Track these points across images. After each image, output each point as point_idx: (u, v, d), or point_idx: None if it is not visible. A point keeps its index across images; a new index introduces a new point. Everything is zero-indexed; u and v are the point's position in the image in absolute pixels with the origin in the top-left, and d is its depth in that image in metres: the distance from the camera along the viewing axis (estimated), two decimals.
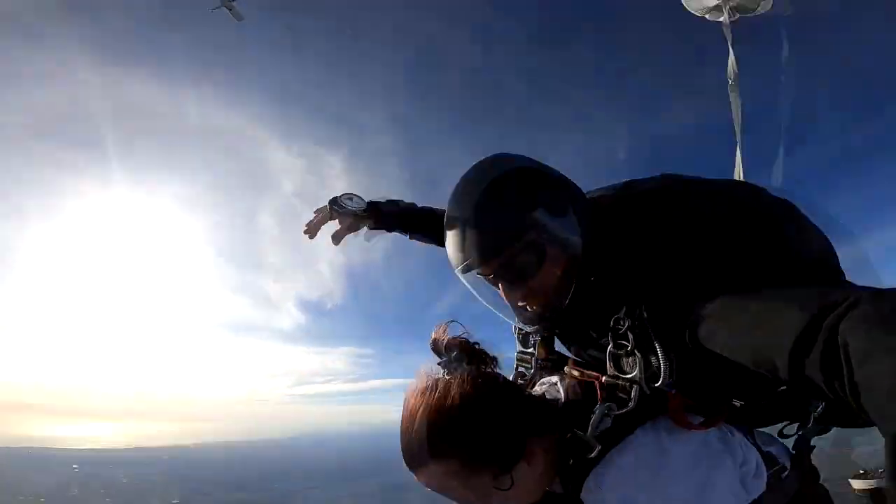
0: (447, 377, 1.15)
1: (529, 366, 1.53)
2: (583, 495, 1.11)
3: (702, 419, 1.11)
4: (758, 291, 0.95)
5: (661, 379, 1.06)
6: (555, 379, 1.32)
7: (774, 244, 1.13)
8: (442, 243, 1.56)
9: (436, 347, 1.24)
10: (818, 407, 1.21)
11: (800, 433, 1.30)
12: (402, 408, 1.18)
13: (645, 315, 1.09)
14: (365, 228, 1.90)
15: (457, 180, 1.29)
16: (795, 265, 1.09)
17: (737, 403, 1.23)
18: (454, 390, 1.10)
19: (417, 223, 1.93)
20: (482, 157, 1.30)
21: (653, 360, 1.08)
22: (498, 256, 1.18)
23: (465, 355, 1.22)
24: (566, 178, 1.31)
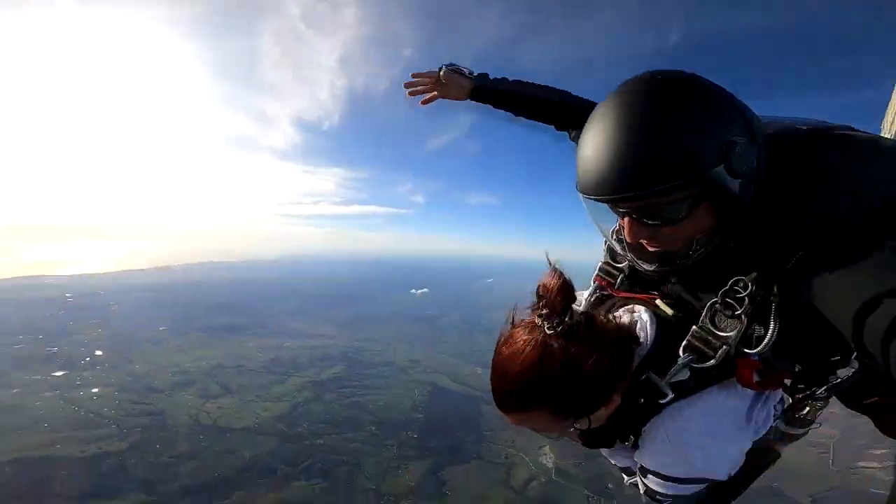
0: (550, 331, 1.10)
1: (613, 282, 1.51)
2: (643, 438, 1.24)
3: (759, 379, 1.14)
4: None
5: (760, 349, 1.05)
6: (645, 315, 1.25)
7: None
8: (560, 125, 1.69)
9: (544, 294, 1.13)
10: (838, 379, 1.24)
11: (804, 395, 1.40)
12: (499, 345, 1.18)
13: (775, 290, 1.02)
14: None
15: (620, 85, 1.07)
16: None
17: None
18: (557, 350, 1.07)
19: (529, 104, 1.86)
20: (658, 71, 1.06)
21: (756, 328, 1.06)
22: (648, 198, 1.00)
23: (569, 309, 1.12)
24: (755, 116, 1.09)
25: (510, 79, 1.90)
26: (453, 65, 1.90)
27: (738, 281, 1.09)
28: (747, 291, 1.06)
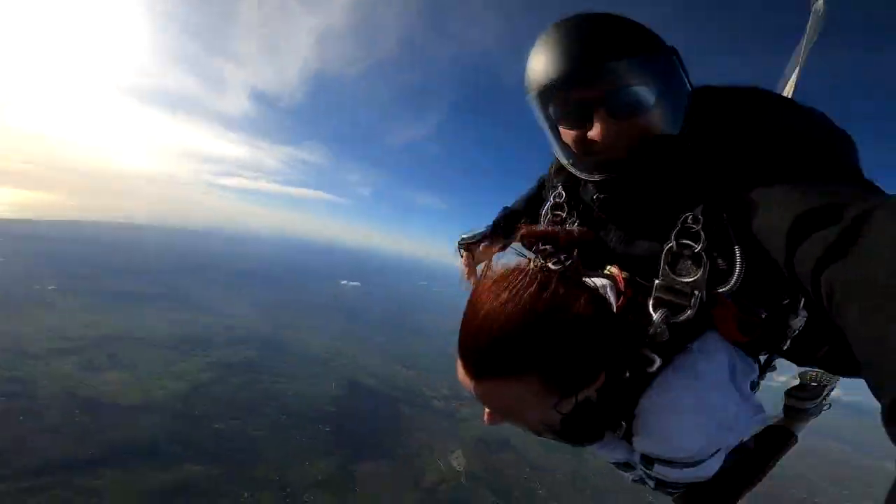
0: (556, 267, 0.96)
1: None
2: (636, 421, 1.09)
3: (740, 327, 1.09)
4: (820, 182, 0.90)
5: (733, 282, 1.00)
6: (598, 280, 1.12)
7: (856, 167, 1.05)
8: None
9: (551, 240, 1.03)
10: (794, 331, 1.18)
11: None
12: (479, 289, 0.96)
13: (725, 216, 1.02)
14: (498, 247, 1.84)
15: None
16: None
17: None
18: (563, 295, 0.91)
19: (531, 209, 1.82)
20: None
21: (719, 262, 1.02)
22: (624, 74, 1.02)
23: (577, 262, 0.99)
24: None
25: (509, 206, 1.93)
26: (465, 238, 1.87)
27: (686, 217, 1.05)
28: (699, 225, 1.03)
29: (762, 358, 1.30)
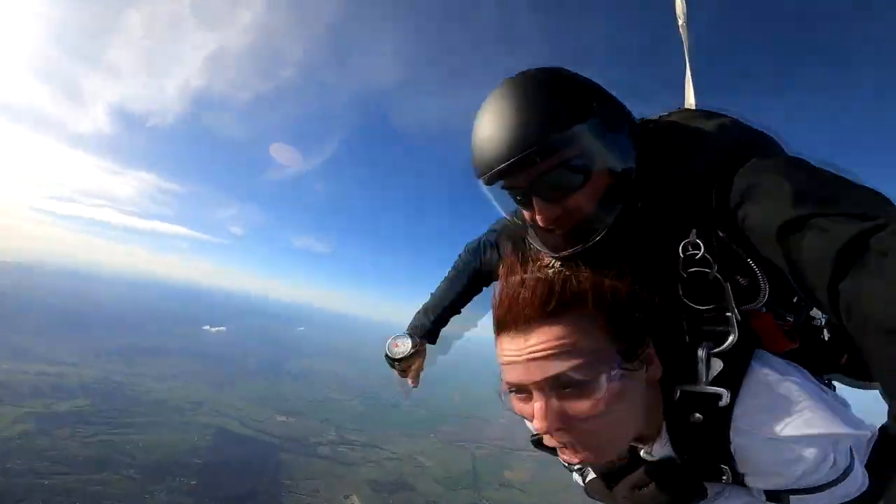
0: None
1: None
2: (738, 461, 1.01)
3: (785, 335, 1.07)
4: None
5: (763, 294, 1.02)
6: None
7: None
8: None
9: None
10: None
11: None
12: (510, 272, 1.04)
13: (722, 234, 1.03)
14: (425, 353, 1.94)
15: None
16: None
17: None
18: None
19: (460, 302, 1.96)
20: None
21: (740, 279, 1.03)
22: (539, 162, 1.02)
23: None
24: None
25: (430, 304, 1.99)
26: (399, 358, 1.86)
27: (686, 246, 1.06)
28: (703, 248, 1.04)
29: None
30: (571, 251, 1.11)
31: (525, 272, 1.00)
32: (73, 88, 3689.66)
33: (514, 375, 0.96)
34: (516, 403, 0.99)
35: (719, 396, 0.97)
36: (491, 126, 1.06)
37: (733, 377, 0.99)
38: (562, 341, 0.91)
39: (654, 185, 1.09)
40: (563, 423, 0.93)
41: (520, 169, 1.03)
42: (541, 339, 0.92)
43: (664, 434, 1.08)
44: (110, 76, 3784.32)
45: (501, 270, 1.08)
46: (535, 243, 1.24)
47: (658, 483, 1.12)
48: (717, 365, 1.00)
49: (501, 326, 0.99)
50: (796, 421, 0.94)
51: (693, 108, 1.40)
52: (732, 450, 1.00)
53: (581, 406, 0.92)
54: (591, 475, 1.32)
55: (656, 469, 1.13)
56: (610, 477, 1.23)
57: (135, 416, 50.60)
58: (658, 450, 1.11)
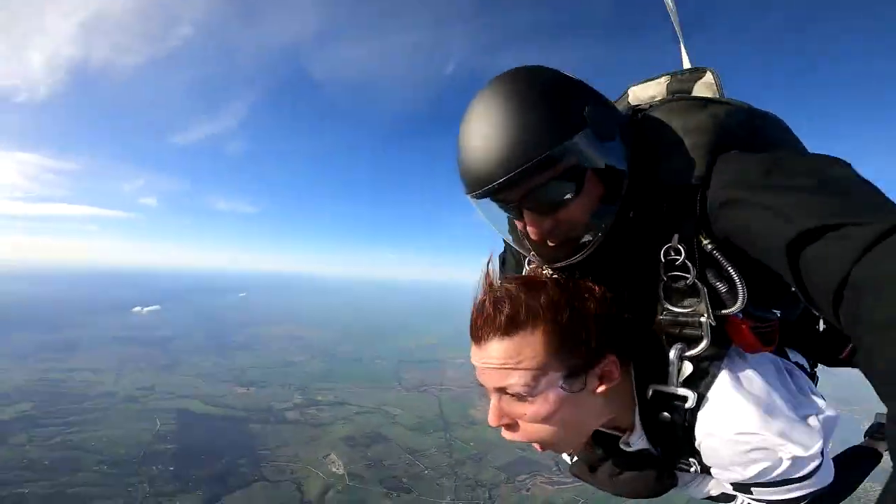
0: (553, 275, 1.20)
1: None
2: (703, 453, 1.10)
3: (760, 336, 1.09)
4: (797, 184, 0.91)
5: (739, 304, 1.03)
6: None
7: (799, 146, 1.18)
8: None
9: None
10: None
11: None
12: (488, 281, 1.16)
13: (705, 240, 1.05)
14: None
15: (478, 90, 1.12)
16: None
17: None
18: (557, 280, 1.15)
19: None
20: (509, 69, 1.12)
21: (719, 286, 1.05)
22: (531, 178, 1.02)
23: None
24: (605, 96, 1.17)
25: None
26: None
27: (668, 250, 1.08)
28: (683, 254, 1.06)
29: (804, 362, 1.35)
30: (564, 263, 1.17)
31: (490, 291, 1.12)
32: None
33: (478, 378, 1.13)
34: (487, 395, 1.16)
35: (686, 398, 1.06)
36: (480, 138, 1.05)
37: (701, 380, 1.06)
38: (508, 359, 1.04)
39: (640, 188, 1.12)
40: (508, 422, 1.12)
41: (512, 186, 1.03)
42: (492, 354, 1.06)
43: (638, 428, 1.18)
44: None
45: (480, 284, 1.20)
46: (526, 253, 1.28)
47: (633, 471, 1.27)
48: (688, 368, 1.06)
49: (471, 335, 1.13)
50: (754, 423, 0.99)
51: (689, 92, 1.36)
52: (698, 445, 1.10)
53: (522, 410, 1.08)
54: (576, 458, 1.43)
55: (631, 459, 1.26)
56: (591, 462, 1.37)
57: (87, 413, 48.24)
58: (635, 440, 1.20)
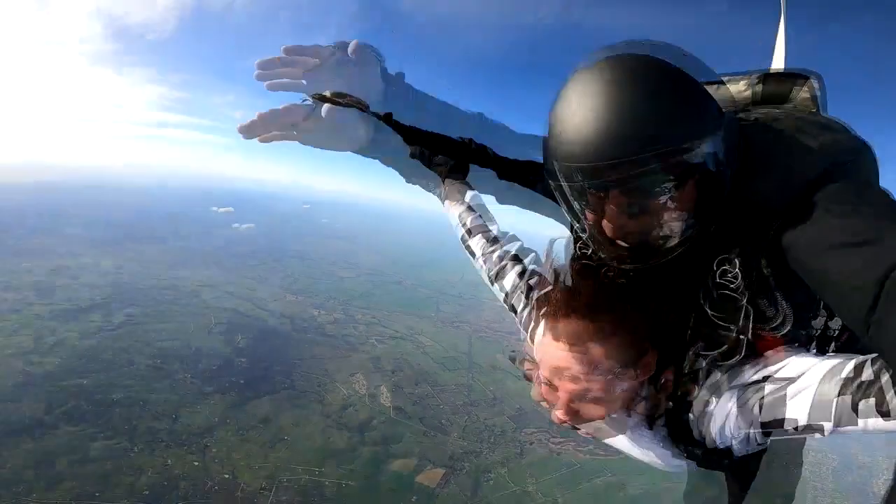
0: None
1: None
2: (706, 431, 1.21)
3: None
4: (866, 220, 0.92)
5: (784, 328, 1.08)
6: None
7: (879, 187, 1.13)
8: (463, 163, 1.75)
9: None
10: (833, 331, 1.25)
11: None
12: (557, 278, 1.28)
13: (765, 267, 1.06)
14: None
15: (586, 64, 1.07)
16: None
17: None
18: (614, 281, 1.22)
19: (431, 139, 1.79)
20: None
21: (762, 304, 1.09)
22: (647, 167, 0.96)
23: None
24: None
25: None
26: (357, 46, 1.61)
27: (722, 262, 1.09)
28: (738, 273, 1.07)
29: None
30: (631, 267, 1.15)
31: (566, 288, 1.22)
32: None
33: (547, 373, 1.23)
34: (537, 384, 1.30)
35: (708, 402, 1.15)
36: (596, 110, 0.96)
37: (722, 387, 1.14)
38: (588, 365, 1.13)
39: (727, 199, 1.07)
40: (574, 417, 1.22)
41: (623, 168, 0.95)
42: (573, 357, 1.14)
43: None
44: None
45: (561, 276, 1.27)
46: (592, 246, 1.24)
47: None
48: (716, 375, 1.14)
49: (550, 330, 1.20)
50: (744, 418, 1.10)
51: (785, 98, 1.30)
52: (692, 427, 1.23)
53: (591, 411, 1.20)
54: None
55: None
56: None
57: (150, 305, 53.46)
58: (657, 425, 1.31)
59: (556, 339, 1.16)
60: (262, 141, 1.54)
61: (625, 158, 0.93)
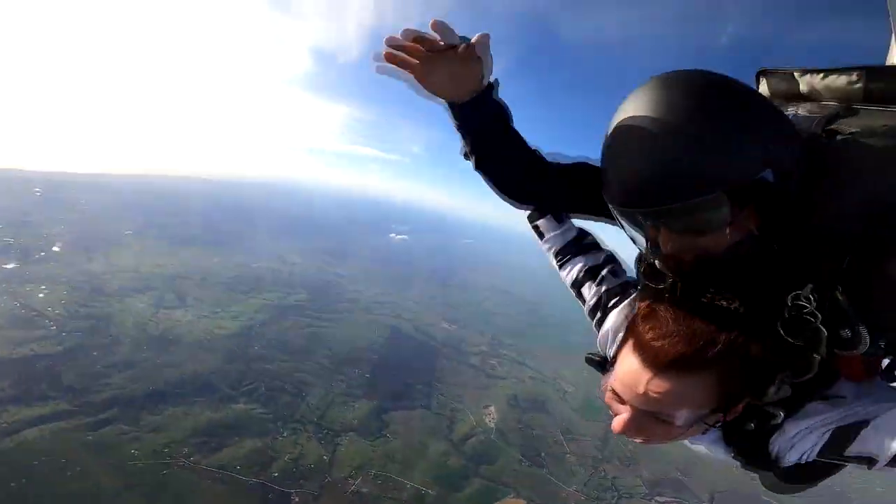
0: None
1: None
2: (773, 445, 1.19)
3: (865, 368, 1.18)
4: None
5: (862, 349, 1.00)
6: None
7: None
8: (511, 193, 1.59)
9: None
10: None
11: None
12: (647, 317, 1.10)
13: (841, 297, 0.98)
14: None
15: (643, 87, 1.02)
16: None
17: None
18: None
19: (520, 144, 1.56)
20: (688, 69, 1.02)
21: (842, 334, 1.00)
22: (694, 210, 0.96)
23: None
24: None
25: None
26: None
27: (796, 296, 1.01)
28: (813, 307, 0.99)
29: None
30: (690, 275, 1.10)
31: (675, 320, 1.04)
32: (274, 31, 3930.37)
33: (621, 389, 1.10)
34: (611, 397, 1.16)
35: (775, 416, 1.09)
36: (642, 151, 0.94)
37: (794, 402, 1.09)
38: (673, 395, 1.01)
39: (796, 219, 1.02)
40: (637, 435, 1.14)
41: (669, 214, 0.97)
42: (659, 384, 1.01)
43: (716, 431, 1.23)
44: (298, 17, 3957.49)
45: (654, 301, 1.13)
46: (653, 258, 1.19)
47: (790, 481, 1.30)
48: (786, 391, 1.04)
49: (636, 351, 1.07)
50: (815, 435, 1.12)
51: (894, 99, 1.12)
52: (770, 448, 1.20)
53: (658, 432, 1.11)
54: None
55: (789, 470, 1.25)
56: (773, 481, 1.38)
57: (334, 312, 62.15)
58: (704, 440, 1.30)
59: (645, 387, 1.03)
60: (387, 59, 1.27)
61: (685, 202, 0.90)
